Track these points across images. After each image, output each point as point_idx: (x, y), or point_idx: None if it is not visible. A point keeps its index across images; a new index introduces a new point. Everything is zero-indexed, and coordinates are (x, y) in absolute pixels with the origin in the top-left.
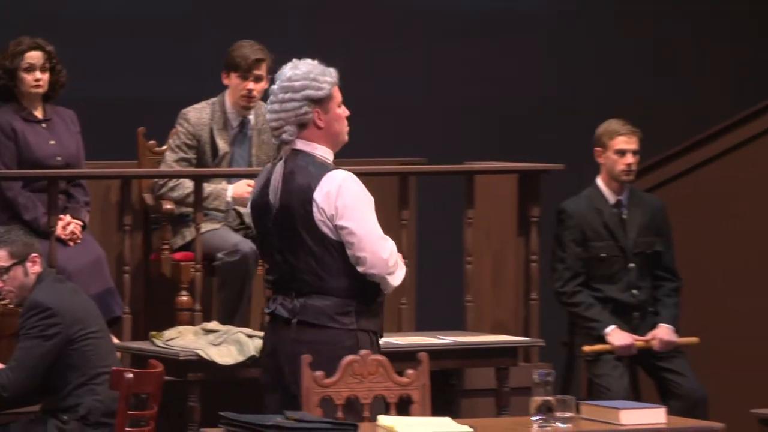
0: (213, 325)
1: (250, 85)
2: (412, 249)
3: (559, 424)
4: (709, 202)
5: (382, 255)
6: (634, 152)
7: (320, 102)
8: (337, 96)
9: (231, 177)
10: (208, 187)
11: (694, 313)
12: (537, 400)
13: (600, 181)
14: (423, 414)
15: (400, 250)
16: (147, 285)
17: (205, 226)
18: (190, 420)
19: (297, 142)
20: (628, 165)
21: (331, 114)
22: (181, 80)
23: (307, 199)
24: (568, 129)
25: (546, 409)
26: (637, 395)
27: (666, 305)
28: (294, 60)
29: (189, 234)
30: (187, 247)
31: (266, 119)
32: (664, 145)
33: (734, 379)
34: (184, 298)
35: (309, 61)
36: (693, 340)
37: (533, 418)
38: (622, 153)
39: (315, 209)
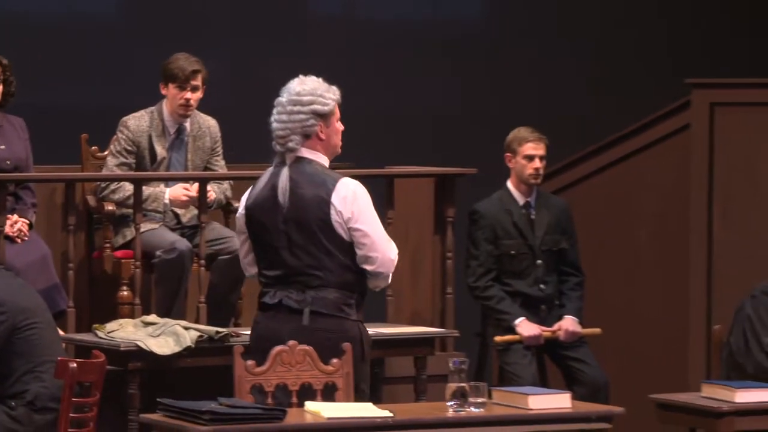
0: (152, 318)
1: (188, 94)
2: None
3: (473, 409)
4: (610, 203)
5: (390, 256)
6: (542, 157)
7: (324, 116)
8: (337, 112)
9: (168, 180)
10: (147, 190)
11: (597, 305)
12: (452, 386)
13: (510, 184)
14: (347, 400)
15: None
16: (90, 281)
17: (145, 226)
18: (131, 406)
19: (301, 150)
20: (536, 169)
21: (331, 128)
22: (122, 90)
23: (324, 202)
24: (481, 136)
25: (460, 395)
26: (544, 382)
27: (571, 298)
28: (300, 76)
29: (129, 233)
30: (128, 245)
31: (272, 128)
32: (569, 150)
33: (634, 366)
34: (125, 293)
35: (314, 78)
36: (596, 330)
37: (449, 404)
38: (530, 158)
39: (333, 212)
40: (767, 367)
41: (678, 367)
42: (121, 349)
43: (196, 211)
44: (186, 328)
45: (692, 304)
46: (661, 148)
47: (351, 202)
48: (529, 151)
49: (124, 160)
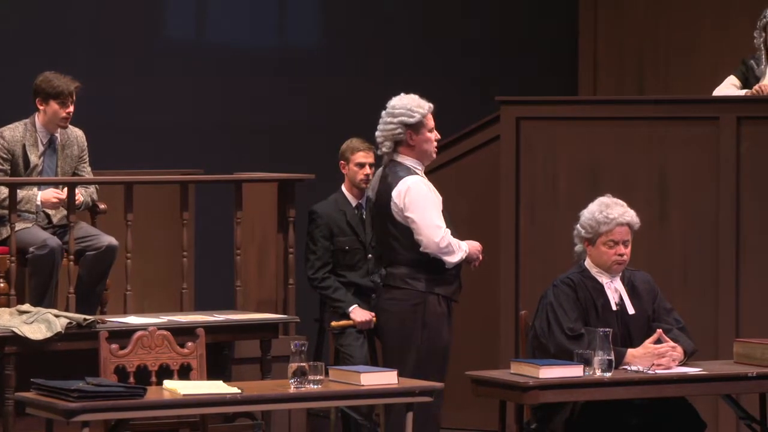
0: (26, 307)
1: (70, 108)
2: (192, 243)
3: (312, 385)
4: None
5: (434, 239)
6: (371, 164)
7: (412, 126)
8: (429, 123)
9: (40, 185)
10: (21, 193)
11: None
12: (294, 365)
13: (344, 188)
14: (201, 378)
15: (180, 245)
16: None
17: (19, 225)
18: (7, 386)
19: (394, 154)
20: (366, 175)
21: (421, 136)
22: None
23: (388, 196)
24: (318, 145)
25: (301, 373)
26: (374, 361)
27: None
28: (402, 93)
29: (5, 231)
30: (4, 242)
31: (375, 135)
32: None
33: (453, 346)
34: (1, 285)
35: (411, 95)
36: None
37: (291, 381)
38: (361, 165)
39: (392, 203)
40: (567, 347)
41: (491, 347)
42: None
43: (65, 212)
44: (57, 316)
45: (502, 292)
46: (476, 156)
47: (404, 195)
48: (360, 159)
49: (0, 167)
